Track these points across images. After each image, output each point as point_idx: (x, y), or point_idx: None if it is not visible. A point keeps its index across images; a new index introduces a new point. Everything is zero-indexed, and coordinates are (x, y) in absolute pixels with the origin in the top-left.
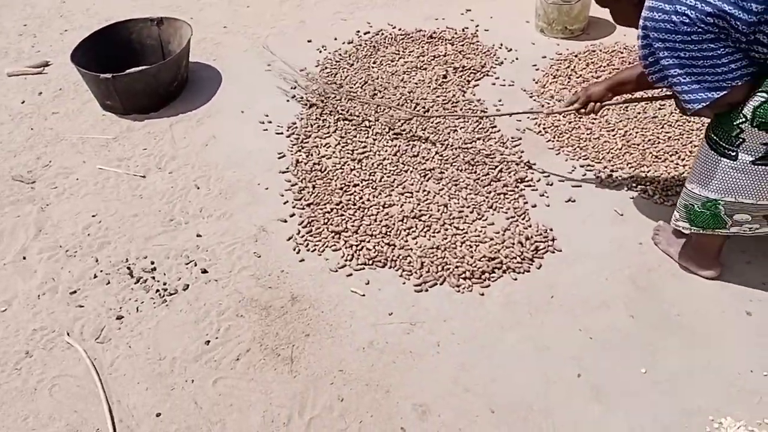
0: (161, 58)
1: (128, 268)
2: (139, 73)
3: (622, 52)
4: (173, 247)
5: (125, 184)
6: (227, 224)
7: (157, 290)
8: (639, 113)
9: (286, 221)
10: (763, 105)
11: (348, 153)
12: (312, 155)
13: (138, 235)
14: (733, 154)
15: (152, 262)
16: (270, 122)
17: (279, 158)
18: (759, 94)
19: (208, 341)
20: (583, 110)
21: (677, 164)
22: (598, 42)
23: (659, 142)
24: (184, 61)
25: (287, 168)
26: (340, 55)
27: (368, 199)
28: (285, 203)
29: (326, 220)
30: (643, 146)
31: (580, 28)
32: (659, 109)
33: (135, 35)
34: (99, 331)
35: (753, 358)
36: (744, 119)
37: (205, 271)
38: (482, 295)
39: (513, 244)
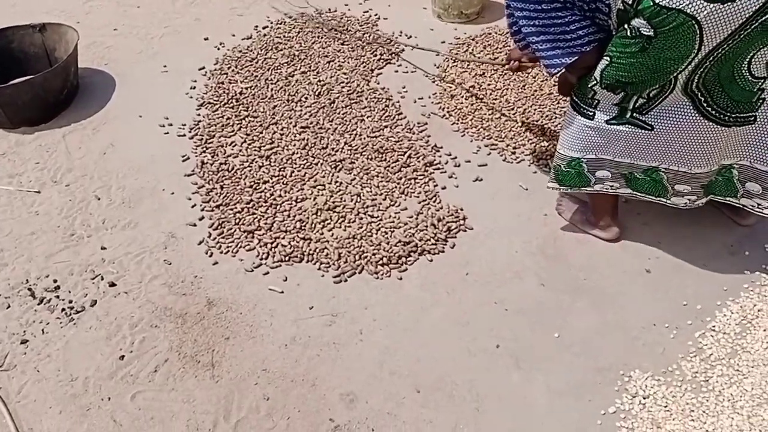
0: (47, 66)
1: (29, 289)
2: (24, 84)
3: None
4: (77, 262)
5: (19, 202)
6: (133, 233)
7: (63, 309)
8: (536, 91)
9: (195, 225)
10: (608, 68)
11: (255, 150)
12: (218, 155)
13: (37, 254)
14: (591, 114)
15: (55, 281)
16: (171, 125)
17: (183, 161)
18: (604, 57)
19: (123, 356)
20: (507, 66)
21: None
22: (493, 24)
23: (556, 118)
24: (72, 67)
25: (193, 170)
26: (240, 51)
27: (280, 195)
28: (193, 207)
29: (237, 220)
30: (542, 122)
31: (475, 12)
32: (554, 85)
33: (16, 44)
34: (2, 359)
35: (654, 313)
36: (595, 81)
37: (113, 285)
38: (400, 279)
39: (426, 226)
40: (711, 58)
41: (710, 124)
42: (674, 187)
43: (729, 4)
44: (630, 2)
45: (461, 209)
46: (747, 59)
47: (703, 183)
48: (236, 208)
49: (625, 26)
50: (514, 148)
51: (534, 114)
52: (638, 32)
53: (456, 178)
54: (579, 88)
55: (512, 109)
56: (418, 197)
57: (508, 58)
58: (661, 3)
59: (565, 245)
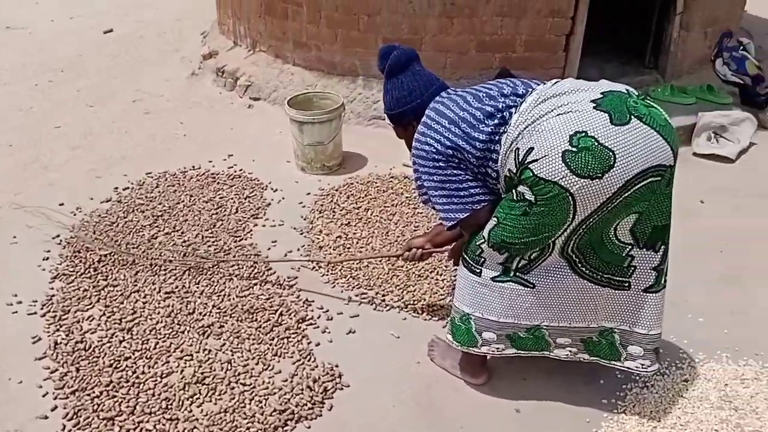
0: None
1: None
2: None
3: (375, 182)
4: None
5: None
6: None
7: None
8: (399, 237)
9: (47, 417)
10: (495, 228)
11: (115, 323)
12: (73, 333)
13: None
14: (478, 271)
15: None
16: (20, 302)
17: (34, 343)
18: (493, 218)
19: None
20: (407, 254)
21: (437, 280)
22: (355, 174)
23: (418, 262)
24: None
25: (44, 353)
26: (99, 215)
27: (143, 372)
28: (45, 395)
29: (96, 406)
30: (406, 267)
31: (337, 164)
32: (415, 229)
33: None
34: None
35: None
36: (483, 240)
37: None
38: None
39: (302, 389)
40: (584, 226)
41: (586, 282)
42: (556, 340)
43: (597, 180)
44: (514, 171)
45: (336, 366)
46: (614, 226)
47: (582, 337)
48: (94, 392)
49: (512, 191)
50: (384, 295)
51: (399, 260)
52: (522, 197)
53: (329, 333)
54: (468, 246)
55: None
56: (292, 357)
57: (407, 246)
58: (539, 175)
59: (439, 393)
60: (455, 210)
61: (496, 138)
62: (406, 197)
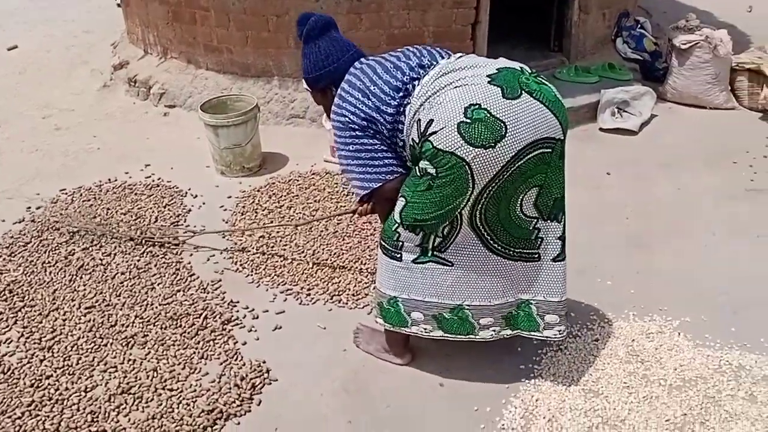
0: None
1: None
2: None
3: (297, 180)
4: None
5: None
6: None
7: None
8: (322, 231)
9: None
10: (405, 208)
11: (35, 343)
12: None
13: None
14: (398, 255)
15: None
16: None
17: None
18: (400, 198)
19: None
20: (360, 209)
21: (360, 269)
22: (276, 174)
23: (343, 254)
24: None
25: None
26: (11, 237)
27: (66, 389)
28: None
29: (18, 428)
30: (331, 260)
31: (257, 165)
32: (338, 223)
33: None
34: None
35: (451, 424)
36: (397, 223)
37: None
38: None
39: (230, 388)
40: (485, 195)
41: (500, 258)
42: (479, 321)
43: (490, 149)
44: (417, 141)
45: (264, 362)
46: (518, 201)
47: (503, 314)
48: (15, 413)
49: (415, 168)
50: (309, 290)
51: (323, 254)
52: (425, 171)
53: (256, 331)
54: (385, 233)
55: (302, 252)
56: (219, 358)
57: (360, 203)
58: (438, 146)
59: (366, 377)
60: (369, 179)
61: (401, 110)
62: (329, 192)
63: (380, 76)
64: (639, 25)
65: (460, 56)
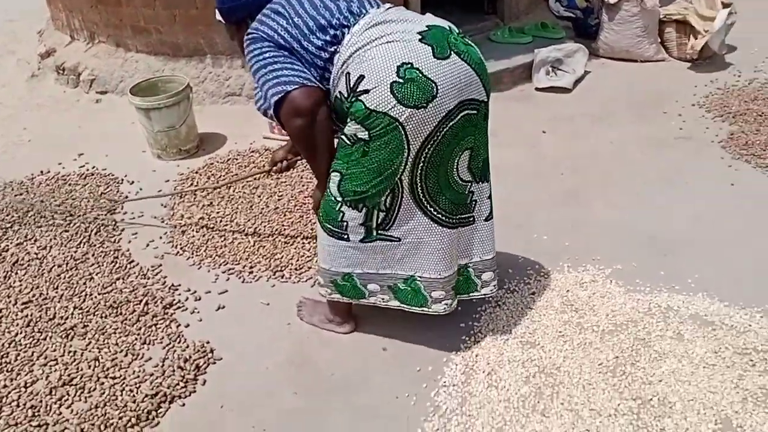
0: None
1: None
2: None
3: (236, 159)
4: None
5: None
6: None
7: None
8: (263, 209)
9: None
10: (342, 182)
11: None
12: None
13: None
14: (346, 236)
15: None
16: None
17: None
18: (333, 173)
19: None
20: (275, 168)
21: (303, 244)
22: (214, 154)
23: (284, 229)
24: None
25: None
26: None
27: (5, 386)
28: None
29: None
30: (273, 236)
31: (194, 146)
32: (278, 199)
33: None
34: None
35: (395, 386)
36: (338, 202)
37: None
38: None
39: (173, 371)
40: (422, 158)
41: (443, 229)
42: (431, 294)
43: (422, 110)
44: (346, 96)
45: (207, 342)
46: (455, 166)
47: (452, 285)
48: None
49: (342, 136)
50: (251, 267)
51: (265, 230)
52: (356, 138)
53: (198, 312)
54: (327, 215)
55: (243, 230)
56: (161, 343)
57: (272, 161)
58: (370, 107)
59: (310, 349)
60: (283, 83)
61: (326, 56)
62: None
63: (306, 10)
64: None
65: (389, 7)
